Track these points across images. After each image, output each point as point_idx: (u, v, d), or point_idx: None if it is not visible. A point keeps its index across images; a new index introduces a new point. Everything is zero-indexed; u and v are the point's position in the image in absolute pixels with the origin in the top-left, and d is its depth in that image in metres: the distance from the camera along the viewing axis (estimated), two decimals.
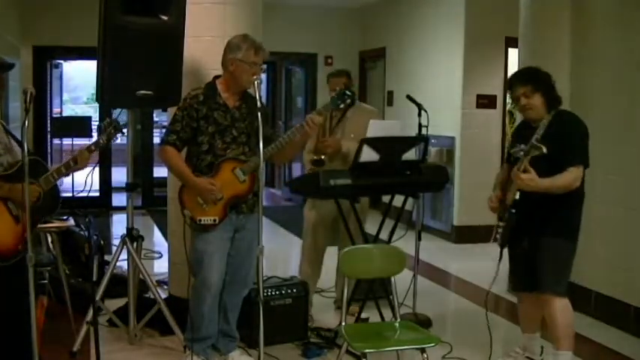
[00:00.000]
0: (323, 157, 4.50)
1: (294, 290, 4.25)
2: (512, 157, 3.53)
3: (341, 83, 4.60)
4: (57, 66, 9.71)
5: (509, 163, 3.69)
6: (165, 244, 5.47)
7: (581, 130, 3.55)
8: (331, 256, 4.85)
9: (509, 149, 3.72)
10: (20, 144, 3.09)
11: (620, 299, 4.58)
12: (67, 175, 3.31)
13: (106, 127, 3.43)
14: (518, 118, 5.71)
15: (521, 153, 3.34)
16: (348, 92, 3.72)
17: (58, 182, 3.29)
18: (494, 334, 4.11)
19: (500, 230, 3.63)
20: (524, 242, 3.61)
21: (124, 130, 3.54)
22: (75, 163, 3.23)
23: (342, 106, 3.79)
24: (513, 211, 3.53)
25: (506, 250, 3.72)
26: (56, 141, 9.53)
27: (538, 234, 3.54)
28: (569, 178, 3.42)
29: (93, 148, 3.33)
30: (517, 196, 3.50)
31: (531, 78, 3.60)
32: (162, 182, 6.28)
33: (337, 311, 4.78)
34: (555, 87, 3.60)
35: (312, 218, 4.75)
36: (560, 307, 3.51)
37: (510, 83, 3.69)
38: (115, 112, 4.09)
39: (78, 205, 6.53)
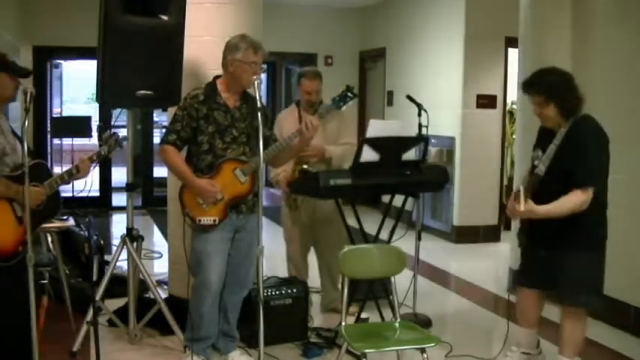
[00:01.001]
0: (306, 166, 4.41)
1: (294, 290, 4.25)
2: (532, 160, 3.48)
3: (315, 86, 4.54)
4: (57, 66, 9.69)
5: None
6: (166, 244, 5.47)
7: (595, 145, 3.34)
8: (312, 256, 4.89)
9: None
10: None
11: (620, 299, 4.58)
12: (69, 182, 3.39)
13: (107, 139, 3.50)
14: (519, 117, 5.72)
15: (537, 161, 3.31)
16: (350, 94, 3.67)
17: None
18: (495, 334, 4.12)
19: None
20: (541, 252, 3.51)
21: (124, 144, 3.69)
22: (77, 172, 3.31)
23: (344, 108, 3.76)
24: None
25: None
26: (56, 141, 9.52)
27: (555, 247, 3.43)
28: (572, 203, 3.26)
29: (95, 158, 3.45)
30: None
31: (544, 87, 3.39)
32: (162, 182, 6.28)
33: (327, 313, 4.80)
34: (575, 89, 3.39)
35: (290, 223, 4.76)
36: (573, 317, 3.45)
37: (524, 88, 3.50)
38: (115, 112, 4.12)
39: (78, 205, 6.53)
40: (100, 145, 3.60)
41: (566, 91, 3.38)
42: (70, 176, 3.33)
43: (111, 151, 3.58)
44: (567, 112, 3.38)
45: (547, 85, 3.39)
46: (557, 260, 3.43)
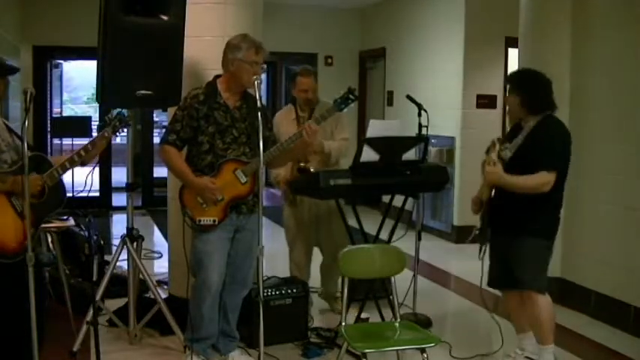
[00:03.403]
0: (303, 164, 4.40)
1: (294, 290, 4.25)
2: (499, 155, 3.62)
3: (310, 82, 4.54)
4: (57, 66, 9.70)
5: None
6: (166, 244, 5.47)
7: (561, 136, 3.58)
8: (316, 254, 4.89)
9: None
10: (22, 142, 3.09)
11: (620, 299, 4.58)
12: (74, 167, 3.30)
13: (112, 119, 3.43)
14: None
15: (506, 149, 3.57)
16: (352, 96, 3.66)
17: None
18: (494, 334, 4.11)
19: (477, 231, 3.73)
20: (499, 240, 3.67)
21: (130, 123, 3.55)
22: (79, 157, 3.24)
23: (345, 110, 3.75)
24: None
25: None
26: (56, 141, 9.53)
27: (514, 234, 3.59)
28: (536, 180, 3.46)
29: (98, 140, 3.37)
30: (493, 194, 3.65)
31: (513, 78, 3.77)
32: (162, 182, 6.27)
33: (327, 313, 4.82)
34: (543, 89, 3.60)
35: (292, 225, 4.75)
36: (544, 304, 3.58)
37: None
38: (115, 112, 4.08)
39: (78, 205, 6.53)
40: (104, 127, 3.43)
41: (531, 88, 3.61)
42: (71, 163, 3.22)
43: (116, 131, 3.43)
44: (528, 106, 3.59)
45: (515, 77, 3.80)
46: (514, 248, 3.59)
